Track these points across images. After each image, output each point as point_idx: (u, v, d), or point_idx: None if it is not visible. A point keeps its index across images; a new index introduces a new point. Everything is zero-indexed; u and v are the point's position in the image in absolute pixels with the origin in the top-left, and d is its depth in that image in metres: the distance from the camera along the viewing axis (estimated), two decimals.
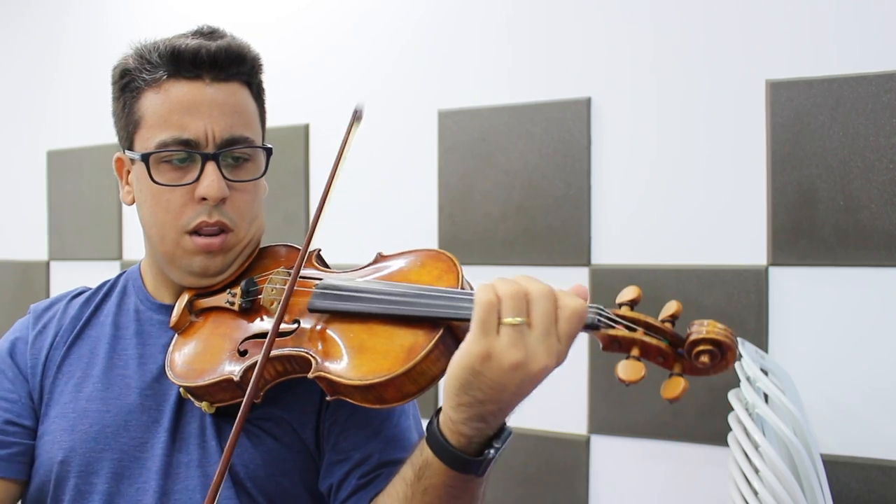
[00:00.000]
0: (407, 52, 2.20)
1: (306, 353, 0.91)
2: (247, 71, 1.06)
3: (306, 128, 2.32)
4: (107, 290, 1.15)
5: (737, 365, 1.51)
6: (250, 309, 1.02)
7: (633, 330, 0.79)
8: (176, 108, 1.00)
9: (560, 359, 0.78)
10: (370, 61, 2.25)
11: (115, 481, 1.00)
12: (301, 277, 0.98)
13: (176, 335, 1.05)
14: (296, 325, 0.96)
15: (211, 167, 1.00)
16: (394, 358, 0.86)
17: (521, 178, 2.02)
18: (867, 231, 1.68)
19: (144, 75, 1.02)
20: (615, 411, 1.91)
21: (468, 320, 0.83)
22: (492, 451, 0.81)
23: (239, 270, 1.08)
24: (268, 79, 1.12)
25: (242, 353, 0.97)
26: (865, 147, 1.68)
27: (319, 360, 0.90)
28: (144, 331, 1.09)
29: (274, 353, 0.93)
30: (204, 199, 1.00)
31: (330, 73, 2.30)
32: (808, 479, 1.39)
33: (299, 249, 1.11)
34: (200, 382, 0.97)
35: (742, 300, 1.79)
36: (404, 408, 1.04)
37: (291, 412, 1.01)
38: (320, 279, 0.98)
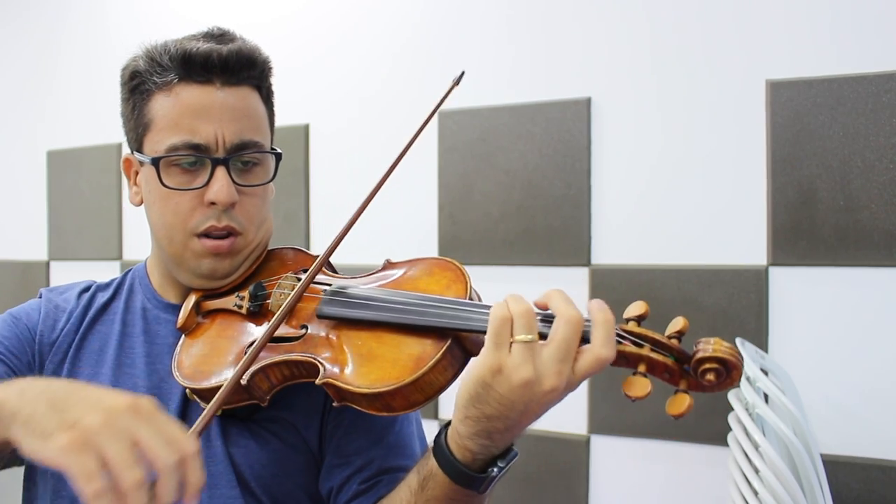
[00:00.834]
0: (407, 52, 2.20)
1: (314, 358, 0.92)
2: (257, 75, 1.06)
3: (306, 128, 2.33)
4: (115, 287, 1.15)
5: None
6: (258, 313, 1.02)
7: (640, 346, 0.80)
8: (186, 111, 1.00)
9: (571, 386, 0.78)
10: (370, 61, 2.25)
11: None
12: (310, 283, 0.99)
13: (183, 336, 1.05)
14: (304, 331, 0.96)
15: (221, 172, 1.00)
16: (402, 367, 0.86)
17: (521, 178, 2.02)
18: (867, 231, 1.68)
19: (155, 78, 1.02)
20: (615, 411, 1.91)
21: (476, 331, 0.84)
22: (495, 470, 0.82)
23: (247, 273, 1.08)
24: None
25: None
26: (865, 147, 1.68)
27: (327, 366, 0.90)
28: (151, 329, 1.09)
29: (282, 357, 0.93)
30: (213, 203, 1.01)
31: (330, 73, 2.31)
32: (808, 479, 1.39)
33: (306, 253, 1.12)
34: (207, 385, 0.97)
35: (742, 300, 1.79)
36: (408, 415, 1.04)
37: (297, 414, 1.02)
38: (329, 285, 0.99)
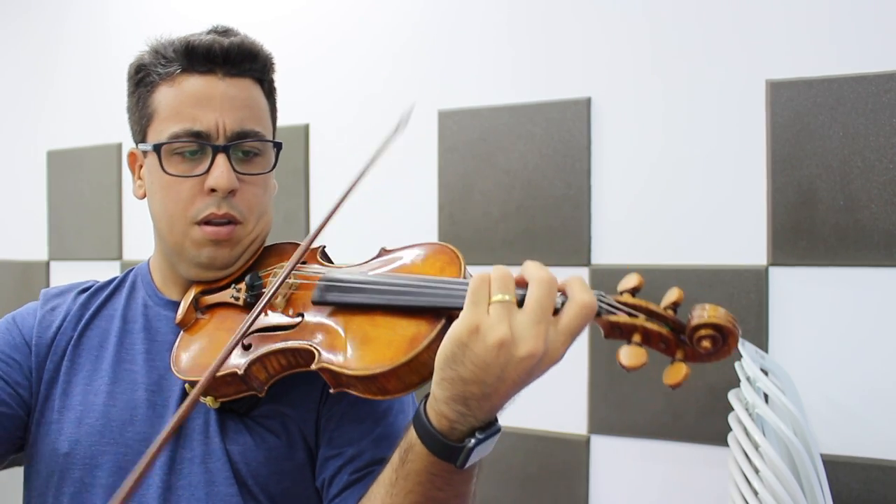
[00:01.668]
0: (407, 52, 2.20)
1: (309, 345, 0.92)
2: (259, 68, 1.07)
3: (306, 128, 2.33)
4: (116, 284, 1.16)
5: (737, 365, 1.51)
6: (255, 304, 1.03)
7: (635, 316, 0.79)
8: (188, 100, 1.02)
9: (554, 351, 0.77)
10: (370, 61, 2.25)
11: (119, 475, 1.01)
12: (305, 273, 0.99)
13: (182, 332, 1.05)
14: (300, 319, 0.96)
15: (221, 159, 1.01)
16: (396, 348, 0.86)
17: (521, 178, 2.02)
18: (867, 231, 1.68)
19: (159, 69, 1.04)
20: (615, 411, 1.91)
21: None
22: (472, 441, 0.79)
23: (244, 266, 1.09)
24: None
25: (247, 347, 0.97)
26: (865, 147, 1.68)
27: (323, 352, 0.90)
28: (152, 326, 1.09)
29: (278, 346, 0.93)
30: (213, 190, 1.02)
31: (330, 74, 2.31)
32: (808, 479, 1.39)
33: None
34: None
35: (742, 300, 1.79)
36: (402, 406, 1.04)
37: (294, 408, 1.02)
38: (324, 273, 0.99)
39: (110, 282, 1.17)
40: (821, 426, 1.69)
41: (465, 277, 0.91)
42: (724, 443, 1.55)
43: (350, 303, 0.93)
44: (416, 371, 0.85)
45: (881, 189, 1.67)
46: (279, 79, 1.12)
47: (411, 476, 0.83)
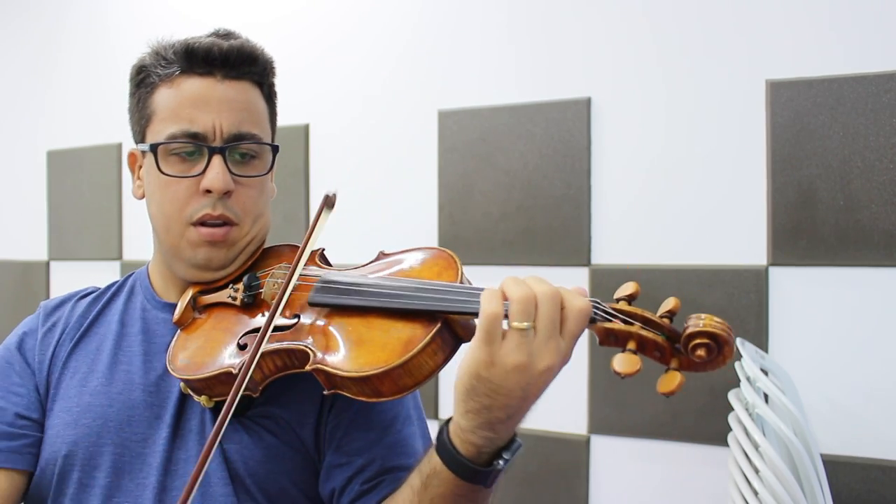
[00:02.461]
0: (407, 52, 2.20)
1: (305, 346, 0.92)
2: (258, 71, 1.07)
3: (306, 128, 2.33)
4: (115, 289, 1.17)
5: (737, 365, 1.51)
6: (252, 304, 1.03)
7: (630, 324, 0.79)
8: (186, 102, 1.02)
9: (565, 358, 0.78)
10: (370, 62, 2.25)
11: (116, 475, 1.01)
12: (302, 274, 0.99)
13: (179, 331, 1.06)
14: (295, 320, 0.96)
15: (217, 160, 1.02)
16: (391, 350, 0.86)
17: (521, 178, 2.02)
18: (867, 231, 1.68)
19: (159, 70, 1.04)
20: (615, 411, 1.91)
21: (466, 314, 0.84)
22: (501, 463, 0.81)
23: (242, 267, 1.09)
24: None
25: (242, 347, 0.98)
26: (865, 147, 1.68)
27: (318, 353, 0.90)
28: (150, 329, 1.10)
29: (273, 346, 0.93)
30: (209, 191, 1.02)
31: (330, 74, 2.31)
32: (808, 479, 1.39)
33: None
34: (200, 375, 0.97)
35: (742, 300, 1.79)
36: (409, 413, 1.04)
37: (291, 411, 1.02)
38: (321, 275, 0.99)
39: (109, 287, 1.17)
40: (821, 426, 1.69)
41: (461, 282, 0.91)
42: (724, 443, 1.55)
43: (346, 304, 0.93)
44: (410, 374, 0.85)
45: (881, 189, 1.67)
46: (279, 79, 1.12)
47: (437, 500, 0.84)
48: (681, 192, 1.87)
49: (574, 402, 1.96)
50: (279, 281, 1.02)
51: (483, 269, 2.01)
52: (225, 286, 1.07)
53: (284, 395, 1.01)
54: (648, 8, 1.91)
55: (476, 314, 0.79)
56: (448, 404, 2.07)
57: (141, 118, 1.07)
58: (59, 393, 1.07)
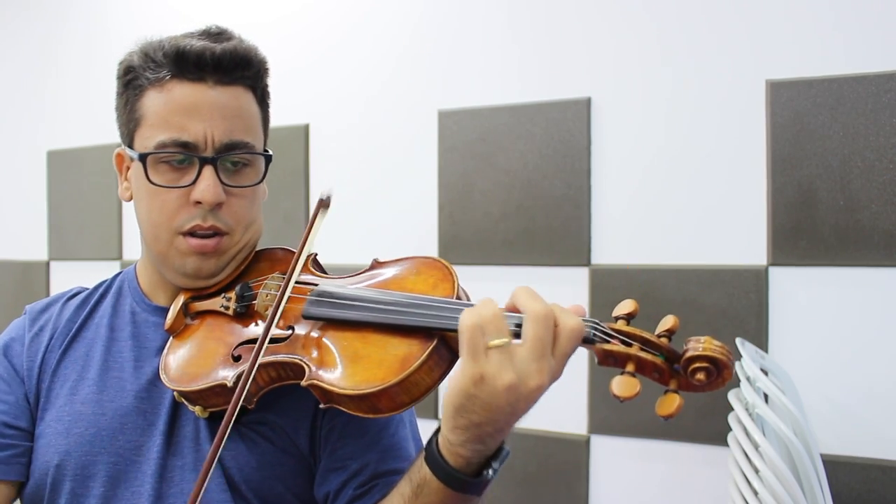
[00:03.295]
0: (407, 53, 2.20)
1: (300, 360, 0.91)
2: (252, 75, 1.04)
3: (306, 128, 2.32)
4: (103, 290, 1.14)
5: (737, 365, 1.51)
6: (245, 314, 1.02)
7: (629, 345, 0.79)
8: (177, 109, 0.99)
9: (555, 376, 0.78)
10: (370, 62, 2.25)
11: (110, 485, 0.99)
12: (297, 283, 0.97)
13: (171, 338, 1.04)
14: (290, 332, 0.95)
15: (208, 171, 0.99)
16: (387, 368, 0.85)
17: (521, 178, 2.02)
18: (867, 231, 1.68)
19: (148, 74, 1.01)
20: (615, 411, 1.91)
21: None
22: (490, 472, 0.82)
23: (234, 274, 1.07)
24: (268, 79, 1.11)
25: (236, 359, 0.97)
26: (865, 147, 1.68)
27: (313, 367, 0.89)
28: (140, 333, 1.08)
29: (267, 359, 0.92)
30: (199, 202, 1.00)
31: (330, 74, 2.30)
32: (808, 479, 1.39)
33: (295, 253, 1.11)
34: (194, 387, 0.96)
35: (742, 300, 1.79)
36: (402, 417, 1.03)
37: (286, 417, 1.01)
38: (316, 285, 0.98)
39: (97, 288, 1.15)
40: (821, 426, 1.69)
41: (458, 294, 0.90)
42: (724, 443, 1.54)
43: (341, 318, 0.92)
44: (407, 391, 0.85)
45: (881, 189, 1.67)
46: (279, 79, 1.11)
47: None
48: (681, 192, 1.87)
49: (574, 402, 1.96)
50: (272, 292, 1.00)
51: (483, 269, 2.01)
52: (217, 293, 1.05)
53: (280, 401, 1.00)
54: (648, 8, 1.91)
55: None
56: None
57: (129, 121, 1.04)
58: (50, 402, 1.05)
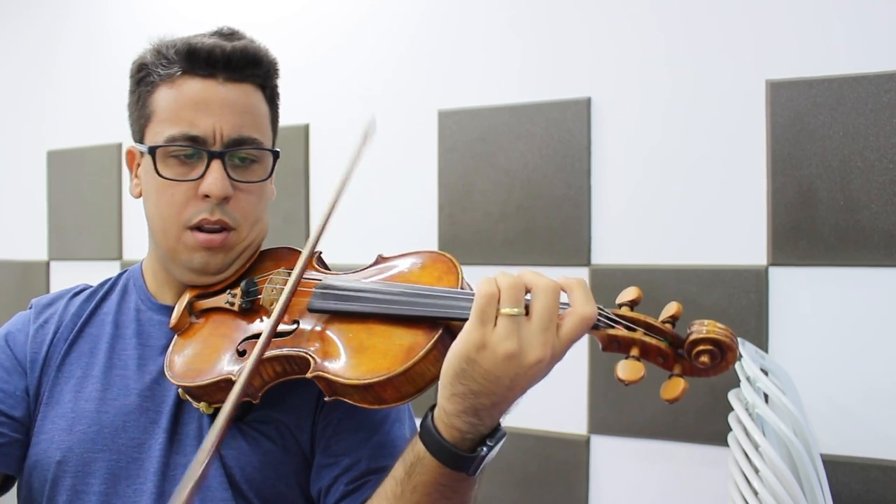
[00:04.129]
0: (408, 53, 2.20)
1: (305, 352, 0.91)
2: (261, 74, 1.06)
3: (306, 128, 2.33)
4: (108, 287, 1.15)
5: (737, 365, 1.51)
6: (250, 309, 1.02)
7: (633, 330, 0.79)
8: (187, 104, 1.01)
9: (556, 355, 0.78)
10: (371, 62, 2.25)
11: (112, 482, 1.00)
12: (302, 279, 0.98)
13: (176, 336, 1.05)
14: (295, 326, 0.95)
15: (216, 165, 1.00)
16: (392, 357, 0.85)
17: (521, 178, 2.02)
18: (867, 231, 1.68)
19: (160, 70, 1.03)
20: (615, 411, 1.91)
21: (467, 320, 0.83)
22: (484, 449, 0.80)
23: (240, 271, 1.08)
24: None
25: (241, 354, 0.97)
26: (865, 147, 1.68)
27: (318, 359, 0.90)
28: (144, 331, 1.08)
29: (273, 353, 0.92)
30: (207, 196, 1.01)
31: (331, 74, 2.31)
32: (808, 479, 1.39)
33: (300, 252, 1.11)
34: (199, 382, 0.96)
35: (742, 300, 1.79)
36: (400, 416, 1.04)
37: (289, 415, 1.01)
38: (320, 280, 0.98)
39: (102, 285, 1.15)
40: (821, 426, 1.69)
41: (462, 286, 0.91)
42: (724, 443, 1.55)
43: (346, 311, 0.93)
44: (413, 381, 0.85)
45: (881, 189, 1.67)
46: (280, 79, 1.12)
47: (419, 488, 0.83)
48: (681, 192, 1.87)
49: (574, 402, 1.96)
50: (278, 287, 1.01)
51: (483, 269, 2.01)
52: (222, 290, 1.06)
53: (284, 399, 1.00)
54: (649, 8, 1.91)
55: None
56: None
57: (140, 117, 1.05)
58: (54, 397, 1.05)
